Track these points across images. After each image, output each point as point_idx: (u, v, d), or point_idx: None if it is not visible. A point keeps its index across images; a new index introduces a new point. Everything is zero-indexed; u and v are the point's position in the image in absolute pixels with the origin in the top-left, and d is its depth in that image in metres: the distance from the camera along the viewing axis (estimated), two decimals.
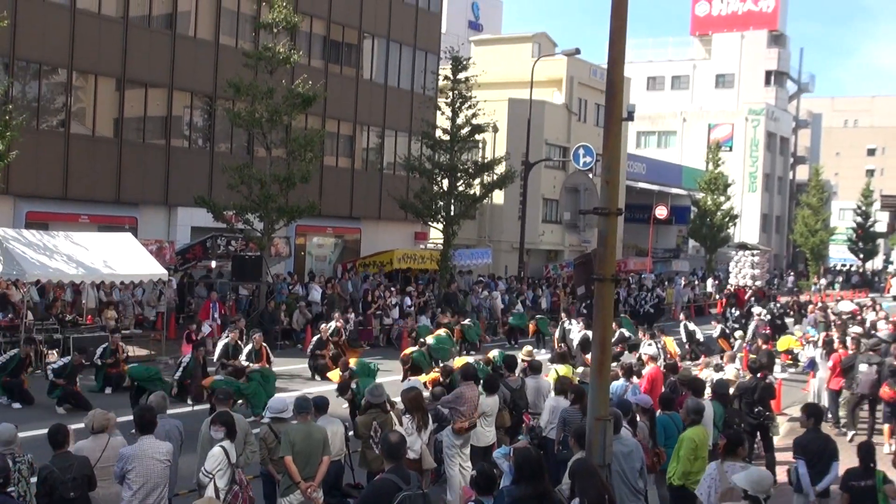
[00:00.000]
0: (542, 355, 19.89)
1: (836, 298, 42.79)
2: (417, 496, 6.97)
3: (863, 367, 16.91)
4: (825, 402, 18.06)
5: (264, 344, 18.52)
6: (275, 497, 10.01)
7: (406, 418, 10.71)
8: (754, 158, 69.80)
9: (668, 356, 19.15)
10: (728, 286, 41.13)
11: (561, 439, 10.88)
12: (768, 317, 28.32)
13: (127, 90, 28.51)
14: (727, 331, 25.51)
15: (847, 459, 10.61)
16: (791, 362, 24.71)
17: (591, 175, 28.78)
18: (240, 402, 15.50)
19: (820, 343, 20.91)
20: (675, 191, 58.26)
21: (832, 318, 28.62)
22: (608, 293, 8.42)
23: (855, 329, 22.99)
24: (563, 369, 14.57)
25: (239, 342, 19.64)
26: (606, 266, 8.36)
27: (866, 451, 9.23)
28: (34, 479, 8.24)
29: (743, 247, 48.91)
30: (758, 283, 41.99)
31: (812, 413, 10.40)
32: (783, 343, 24.53)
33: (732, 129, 69.34)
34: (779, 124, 72.63)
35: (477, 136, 33.94)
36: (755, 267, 45.48)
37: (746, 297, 34.50)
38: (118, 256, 21.31)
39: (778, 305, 33.85)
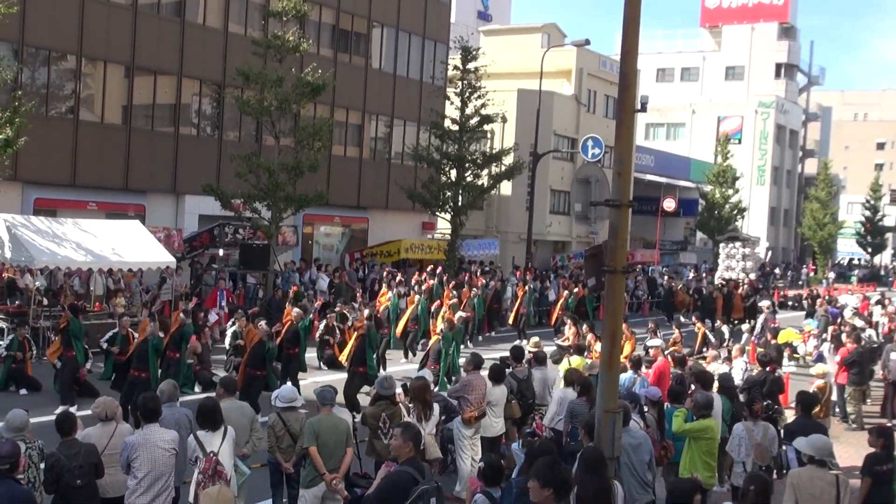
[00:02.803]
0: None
1: (847, 292, 42.60)
2: (433, 489, 6.96)
3: (894, 356, 17.34)
4: (833, 396, 18.00)
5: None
6: (281, 485, 10.02)
7: (412, 407, 10.75)
8: (763, 151, 69.57)
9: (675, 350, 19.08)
10: (720, 280, 40.36)
11: (569, 431, 10.86)
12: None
13: (136, 77, 28.49)
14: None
15: (850, 451, 10.75)
16: (796, 357, 24.62)
17: (600, 166, 28.64)
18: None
19: (828, 337, 20.88)
20: (683, 183, 58.13)
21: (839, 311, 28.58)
22: (619, 285, 8.38)
23: (857, 322, 22.95)
24: (577, 361, 14.46)
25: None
26: (617, 258, 8.31)
27: (887, 436, 9.39)
28: (44, 466, 8.24)
29: (733, 239, 48.54)
30: (750, 275, 41.52)
31: (800, 401, 10.78)
32: (783, 336, 24.44)
33: (742, 122, 69.09)
34: (788, 117, 72.36)
35: (485, 127, 33.90)
36: (746, 259, 45.09)
37: (739, 292, 33.98)
38: (126, 244, 21.33)
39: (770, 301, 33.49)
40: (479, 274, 32.05)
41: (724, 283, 36.44)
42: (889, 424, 15.99)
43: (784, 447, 10.41)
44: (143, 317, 16.58)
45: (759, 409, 10.36)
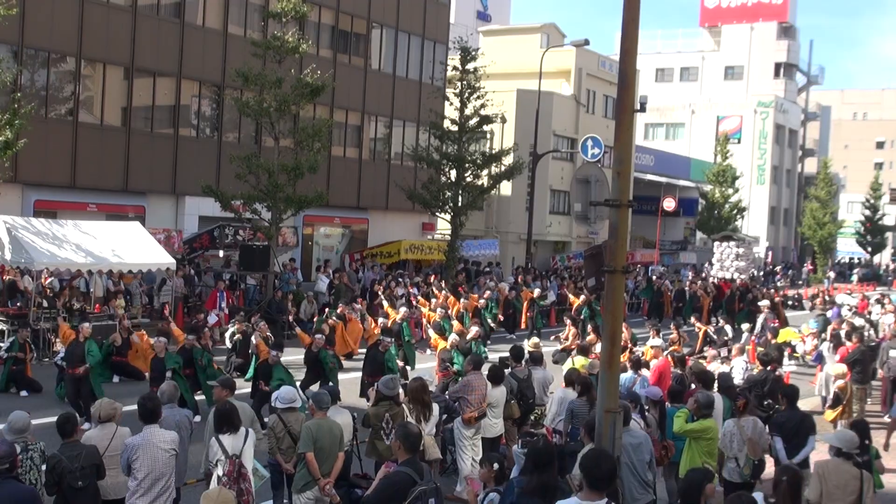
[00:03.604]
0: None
1: (846, 291, 42.52)
2: (431, 490, 6.95)
3: (893, 353, 17.71)
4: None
5: (269, 334, 18.50)
6: (282, 486, 10.01)
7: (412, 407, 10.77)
8: (763, 151, 69.59)
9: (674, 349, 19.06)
10: (712, 280, 39.69)
11: (569, 431, 10.87)
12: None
13: (135, 79, 28.50)
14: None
15: None
16: (796, 356, 24.63)
17: (600, 166, 28.64)
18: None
19: (828, 336, 20.88)
20: (683, 183, 58.15)
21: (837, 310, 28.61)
22: (619, 285, 8.39)
23: (857, 321, 22.96)
24: (581, 362, 14.44)
25: (246, 331, 19.72)
26: (617, 258, 8.32)
27: (862, 429, 9.81)
28: (45, 467, 8.25)
29: (727, 238, 48.38)
30: (742, 276, 41.20)
31: (785, 394, 11.21)
32: (782, 335, 24.47)
33: (741, 121, 69.10)
34: (787, 116, 72.37)
35: (485, 127, 33.88)
36: (739, 259, 44.82)
37: (730, 292, 33.71)
38: (126, 245, 21.35)
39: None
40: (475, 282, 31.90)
41: (715, 283, 36.34)
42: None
43: (772, 439, 10.63)
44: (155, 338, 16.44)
45: (743, 405, 10.67)
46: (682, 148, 66.41)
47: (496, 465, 7.62)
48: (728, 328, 25.68)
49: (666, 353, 16.19)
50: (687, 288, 34.06)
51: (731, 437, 10.24)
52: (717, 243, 47.97)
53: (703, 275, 44.39)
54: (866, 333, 21.48)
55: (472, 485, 8.55)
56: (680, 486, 7.19)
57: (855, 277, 62.81)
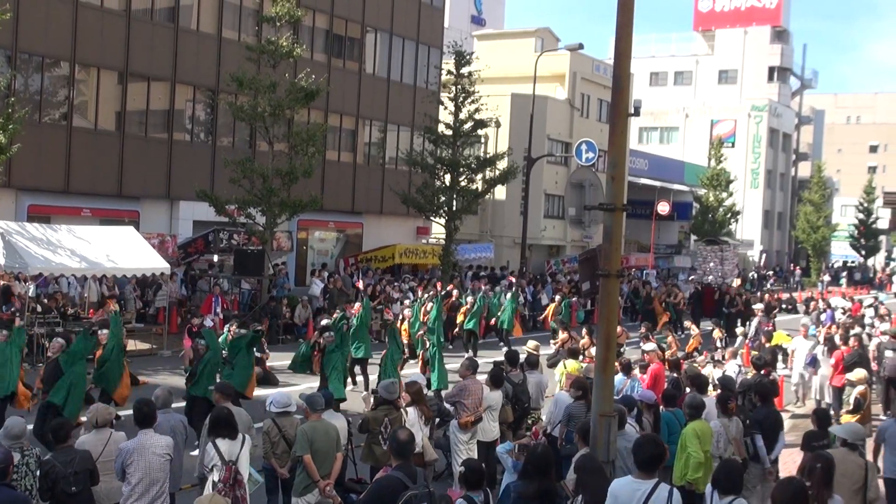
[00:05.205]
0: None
1: (840, 294, 42.58)
2: (424, 495, 6.95)
3: (889, 353, 17.96)
4: (828, 398, 18.04)
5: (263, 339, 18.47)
6: (277, 491, 10.00)
7: (411, 410, 10.75)
8: (756, 154, 69.69)
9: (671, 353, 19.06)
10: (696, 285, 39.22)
11: (565, 434, 10.87)
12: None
13: (129, 83, 28.47)
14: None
15: None
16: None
17: (594, 170, 28.70)
18: None
19: (821, 340, 20.89)
20: (677, 187, 58.19)
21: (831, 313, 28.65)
22: (613, 289, 8.42)
23: (855, 331, 22.98)
24: (573, 365, 14.44)
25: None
26: (612, 262, 8.34)
27: (823, 417, 10.34)
28: (39, 473, 8.23)
29: (711, 242, 48.18)
30: (727, 280, 40.84)
31: (758, 392, 11.75)
32: (774, 339, 24.45)
33: (735, 125, 69.18)
34: (781, 120, 72.49)
35: (479, 131, 33.91)
36: (724, 263, 44.56)
37: (716, 298, 33.59)
38: (120, 250, 21.29)
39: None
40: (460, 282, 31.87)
41: (699, 286, 36.31)
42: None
43: (750, 437, 10.85)
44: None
45: (734, 407, 10.89)
46: (676, 152, 66.49)
47: (461, 469, 7.56)
48: (715, 332, 25.63)
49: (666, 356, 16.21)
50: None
51: (717, 437, 10.45)
52: (700, 246, 47.86)
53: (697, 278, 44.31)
54: (864, 336, 21.52)
55: (452, 494, 8.48)
56: (720, 472, 7.39)
57: (844, 281, 62.90)
